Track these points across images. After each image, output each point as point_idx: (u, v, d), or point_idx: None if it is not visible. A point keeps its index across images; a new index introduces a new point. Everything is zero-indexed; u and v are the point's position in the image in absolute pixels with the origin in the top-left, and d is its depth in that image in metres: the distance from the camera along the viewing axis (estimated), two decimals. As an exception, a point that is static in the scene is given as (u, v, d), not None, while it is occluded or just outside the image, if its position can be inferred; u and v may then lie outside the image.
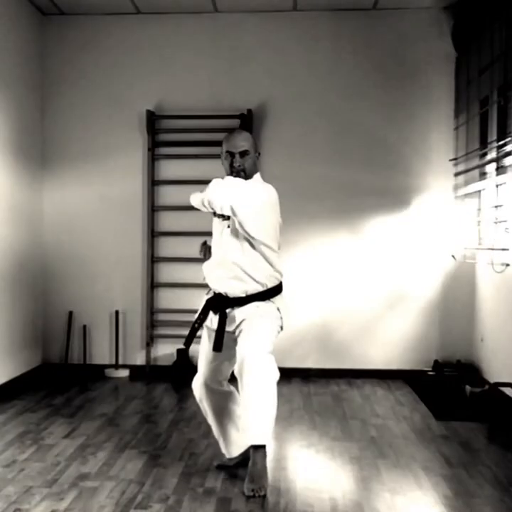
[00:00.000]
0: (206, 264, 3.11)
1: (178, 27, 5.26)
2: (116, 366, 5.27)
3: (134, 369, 5.28)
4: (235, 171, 2.98)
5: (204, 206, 2.97)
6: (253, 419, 2.85)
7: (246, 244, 2.96)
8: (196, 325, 3.08)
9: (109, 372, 5.23)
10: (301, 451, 3.52)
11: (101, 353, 5.33)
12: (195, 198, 3.03)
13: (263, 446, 2.89)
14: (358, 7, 5.11)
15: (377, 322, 5.19)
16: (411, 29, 5.15)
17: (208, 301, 3.07)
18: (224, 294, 2.99)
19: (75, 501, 2.81)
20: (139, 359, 5.31)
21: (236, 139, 2.99)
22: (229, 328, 2.99)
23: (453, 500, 2.84)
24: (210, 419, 3.17)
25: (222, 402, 3.13)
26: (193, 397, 4.64)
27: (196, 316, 3.11)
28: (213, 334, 3.00)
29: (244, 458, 3.06)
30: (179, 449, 3.49)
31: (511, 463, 3.30)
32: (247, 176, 3.00)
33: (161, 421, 4.03)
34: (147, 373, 5.22)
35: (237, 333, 2.96)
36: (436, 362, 5.10)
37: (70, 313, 5.30)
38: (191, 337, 3.09)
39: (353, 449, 3.52)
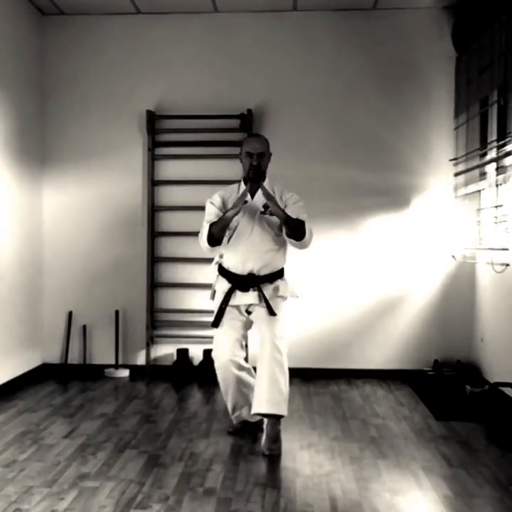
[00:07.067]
0: None
1: (178, 27, 5.26)
2: (117, 366, 5.27)
3: (134, 369, 5.28)
4: (253, 168, 3.52)
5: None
6: (277, 392, 3.48)
7: None
8: None
9: (109, 372, 5.23)
10: (301, 451, 3.51)
11: (101, 353, 5.33)
12: None
13: (281, 416, 3.46)
14: (358, 7, 5.11)
15: (378, 322, 5.19)
16: (411, 29, 5.14)
17: None
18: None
19: (75, 501, 2.81)
20: (139, 359, 5.31)
21: (255, 142, 3.59)
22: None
23: (453, 500, 2.85)
24: (232, 390, 3.62)
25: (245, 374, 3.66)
26: (193, 397, 4.69)
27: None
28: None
29: (253, 424, 3.73)
30: (179, 449, 3.49)
31: (511, 463, 3.30)
32: (263, 172, 3.58)
33: (161, 421, 4.03)
34: (147, 373, 5.21)
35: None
36: (436, 362, 5.09)
37: (70, 313, 5.30)
38: None
39: (353, 449, 3.52)
